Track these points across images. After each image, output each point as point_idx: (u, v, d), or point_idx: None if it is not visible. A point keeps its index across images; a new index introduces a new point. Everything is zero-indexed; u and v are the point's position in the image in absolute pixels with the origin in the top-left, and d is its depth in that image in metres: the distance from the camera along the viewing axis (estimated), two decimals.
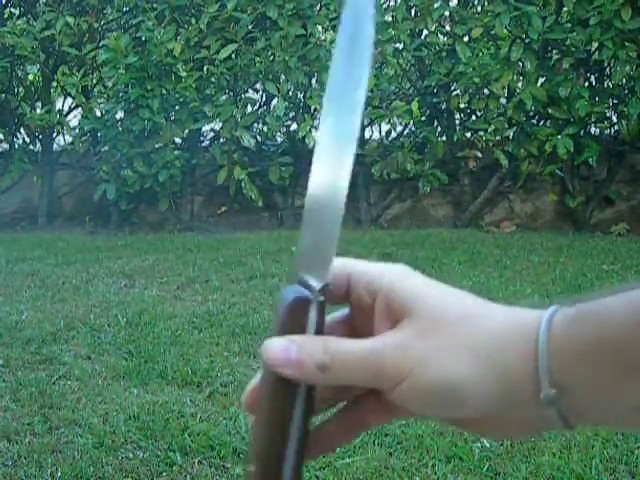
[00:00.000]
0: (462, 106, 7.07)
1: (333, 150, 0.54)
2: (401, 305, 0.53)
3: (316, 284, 0.53)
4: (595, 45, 6.52)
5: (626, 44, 6.26)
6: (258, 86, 7.40)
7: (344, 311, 0.58)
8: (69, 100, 7.99)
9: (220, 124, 7.06)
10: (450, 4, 6.88)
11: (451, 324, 0.52)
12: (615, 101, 6.78)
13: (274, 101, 7.12)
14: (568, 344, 0.49)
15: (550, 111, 6.63)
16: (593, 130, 6.92)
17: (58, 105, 7.95)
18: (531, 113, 6.89)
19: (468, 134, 7.13)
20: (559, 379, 0.49)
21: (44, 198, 7.70)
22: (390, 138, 7.50)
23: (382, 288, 0.54)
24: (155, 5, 6.96)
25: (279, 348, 0.53)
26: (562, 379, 0.49)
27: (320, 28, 6.92)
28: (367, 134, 7.60)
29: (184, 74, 6.91)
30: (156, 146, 6.95)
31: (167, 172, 6.89)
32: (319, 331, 0.54)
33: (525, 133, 6.73)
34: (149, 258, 5.75)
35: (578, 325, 0.49)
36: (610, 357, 0.48)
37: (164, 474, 2.49)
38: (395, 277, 0.54)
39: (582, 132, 6.67)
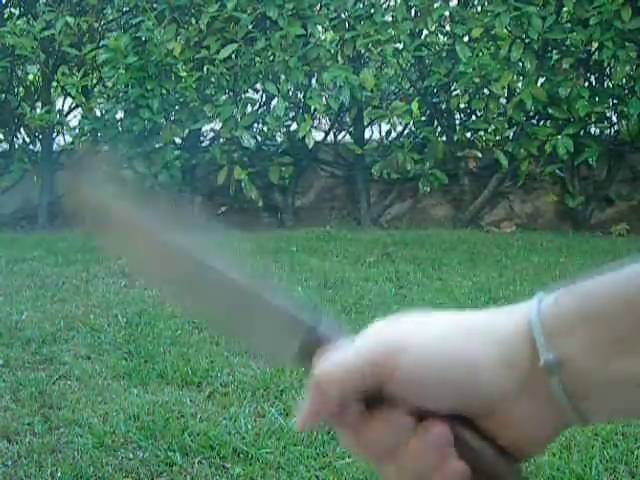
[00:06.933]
0: (462, 106, 7.06)
1: None
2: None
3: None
4: (595, 45, 6.52)
5: (626, 44, 6.26)
6: (258, 86, 7.38)
7: None
8: (69, 100, 7.98)
9: (220, 124, 7.05)
10: (450, 4, 6.88)
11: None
12: (615, 101, 6.77)
13: (274, 101, 7.11)
14: (556, 316, 0.52)
15: (550, 111, 6.63)
16: (593, 130, 6.91)
17: (58, 105, 7.94)
18: (531, 113, 6.88)
19: (468, 134, 7.12)
20: (554, 346, 0.52)
21: (44, 198, 7.69)
22: (390, 138, 7.48)
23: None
24: (155, 5, 6.95)
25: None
26: (556, 346, 0.52)
27: (320, 28, 6.92)
28: (367, 134, 7.59)
29: (184, 74, 6.90)
30: (156, 146, 6.94)
31: (167, 172, 6.89)
32: None
33: (525, 133, 6.73)
34: None
35: (566, 299, 0.53)
36: (597, 328, 0.51)
37: (164, 474, 2.49)
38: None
39: (582, 132, 6.66)
